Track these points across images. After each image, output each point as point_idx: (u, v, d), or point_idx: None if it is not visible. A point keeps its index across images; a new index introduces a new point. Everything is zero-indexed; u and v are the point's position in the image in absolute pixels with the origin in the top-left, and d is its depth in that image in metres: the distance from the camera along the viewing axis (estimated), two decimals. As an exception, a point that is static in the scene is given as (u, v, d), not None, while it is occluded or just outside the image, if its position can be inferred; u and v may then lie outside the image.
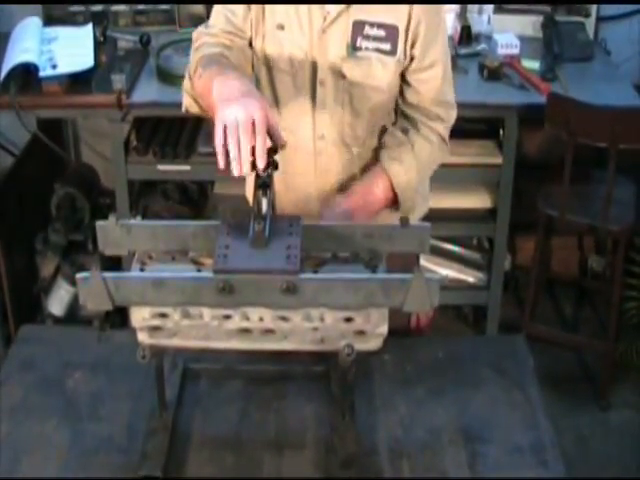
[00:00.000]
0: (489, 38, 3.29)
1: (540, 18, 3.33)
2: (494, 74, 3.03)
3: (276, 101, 1.89)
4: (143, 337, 1.47)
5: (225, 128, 1.45)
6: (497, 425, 1.66)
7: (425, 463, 1.58)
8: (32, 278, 3.34)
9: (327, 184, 1.93)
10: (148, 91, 2.96)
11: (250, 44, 1.85)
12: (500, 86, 3.02)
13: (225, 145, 1.45)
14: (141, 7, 3.38)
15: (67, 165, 3.56)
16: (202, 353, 1.67)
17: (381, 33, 1.81)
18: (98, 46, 3.11)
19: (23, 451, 1.59)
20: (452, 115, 1.95)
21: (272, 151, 1.49)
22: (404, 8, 1.80)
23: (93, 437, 1.62)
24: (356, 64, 1.83)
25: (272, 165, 1.48)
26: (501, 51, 3.20)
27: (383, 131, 1.94)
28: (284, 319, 1.44)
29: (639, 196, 3.10)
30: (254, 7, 1.81)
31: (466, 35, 3.24)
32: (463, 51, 3.19)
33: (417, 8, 1.80)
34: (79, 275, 1.40)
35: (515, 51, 3.21)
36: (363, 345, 1.46)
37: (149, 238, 1.55)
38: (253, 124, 1.44)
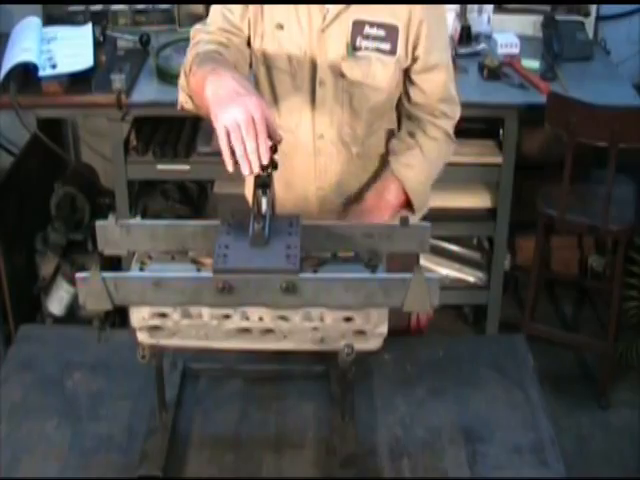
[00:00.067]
0: (489, 38, 3.29)
1: (540, 18, 3.33)
2: (494, 74, 3.03)
3: (275, 101, 1.89)
4: (143, 337, 1.47)
5: (227, 131, 1.45)
6: (497, 425, 1.66)
7: (425, 463, 1.57)
8: (32, 278, 3.34)
9: (326, 183, 1.94)
10: (148, 91, 2.96)
11: (248, 43, 1.85)
12: (500, 86, 3.02)
13: (231, 147, 1.45)
14: (141, 7, 3.38)
15: (67, 165, 3.56)
16: (202, 353, 1.67)
17: (381, 33, 1.81)
18: (98, 46, 3.11)
19: (23, 451, 1.59)
20: (457, 111, 1.96)
21: (272, 150, 1.49)
22: (404, 8, 1.80)
23: (93, 437, 1.62)
24: (356, 64, 1.83)
25: (272, 165, 1.49)
26: (501, 51, 3.21)
27: (390, 136, 1.94)
28: (284, 319, 1.44)
29: (639, 196, 3.10)
30: (252, 6, 1.81)
31: (466, 35, 3.24)
32: (463, 51, 3.19)
33: (418, 8, 1.80)
34: (79, 275, 1.40)
35: (515, 51, 3.21)
36: (363, 345, 1.46)
37: (149, 238, 1.55)
38: (253, 122, 1.45)
